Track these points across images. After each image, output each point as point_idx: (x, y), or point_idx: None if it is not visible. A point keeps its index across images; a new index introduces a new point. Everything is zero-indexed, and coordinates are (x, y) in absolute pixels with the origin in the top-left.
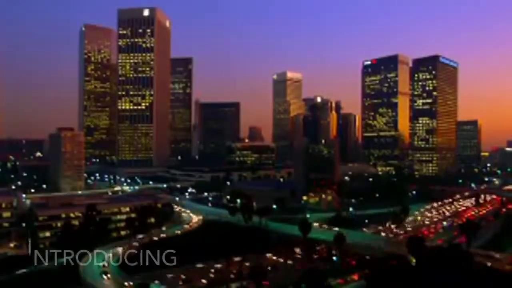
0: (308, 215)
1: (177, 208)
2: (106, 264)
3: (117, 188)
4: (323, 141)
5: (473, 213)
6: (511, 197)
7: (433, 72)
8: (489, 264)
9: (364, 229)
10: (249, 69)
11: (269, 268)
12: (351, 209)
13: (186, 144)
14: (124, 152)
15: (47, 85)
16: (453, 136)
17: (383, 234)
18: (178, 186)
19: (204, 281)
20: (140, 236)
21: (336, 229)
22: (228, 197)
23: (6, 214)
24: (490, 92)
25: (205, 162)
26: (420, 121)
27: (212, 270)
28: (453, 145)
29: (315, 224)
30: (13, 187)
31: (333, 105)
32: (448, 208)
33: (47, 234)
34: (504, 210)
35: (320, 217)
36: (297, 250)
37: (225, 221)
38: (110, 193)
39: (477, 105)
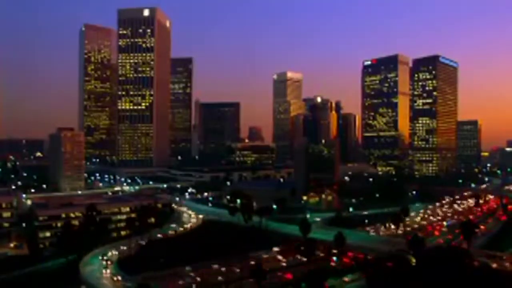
0: (308, 215)
1: (177, 208)
2: (106, 264)
3: (117, 188)
4: (323, 141)
5: (473, 213)
6: (511, 197)
7: (433, 72)
8: (489, 263)
9: (364, 229)
10: (249, 69)
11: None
12: (351, 209)
13: (186, 144)
14: (124, 152)
15: (47, 85)
16: (453, 136)
17: (383, 234)
18: (178, 186)
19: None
20: (139, 236)
21: (336, 229)
22: (228, 197)
23: (6, 214)
24: (490, 92)
25: (205, 162)
26: (420, 121)
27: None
28: (453, 145)
29: (315, 223)
30: (13, 187)
31: (333, 105)
32: (448, 208)
33: (47, 234)
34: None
35: (320, 217)
36: (297, 250)
37: (225, 221)
38: (110, 193)
39: (477, 105)
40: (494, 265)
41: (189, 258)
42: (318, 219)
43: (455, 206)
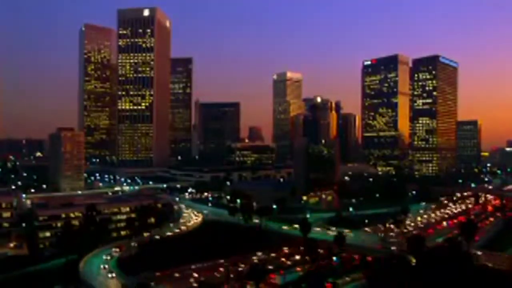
0: (308, 215)
1: (177, 208)
2: (105, 264)
3: (117, 188)
4: (323, 141)
5: (473, 213)
6: (511, 197)
7: (433, 72)
8: (489, 263)
9: (365, 229)
10: (249, 69)
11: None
12: (351, 209)
13: (186, 144)
14: (124, 152)
15: (47, 85)
16: (453, 136)
17: (383, 234)
18: (178, 186)
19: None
20: (140, 236)
21: (336, 229)
22: (228, 197)
23: (6, 214)
24: (490, 92)
25: (205, 162)
26: (420, 121)
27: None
28: (453, 145)
29: (317, 226)
30: (13, 187)
31: (333, 105)
32: (448, 208)
33: (47, 234)
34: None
35: (320, 217)
36: (297, 250)
37: (225, 221)
38: (110, 193)
39: (477, 105)
40: (494, 265)
41: (189, 258)
42: (317, 219)
43: (455, 206)
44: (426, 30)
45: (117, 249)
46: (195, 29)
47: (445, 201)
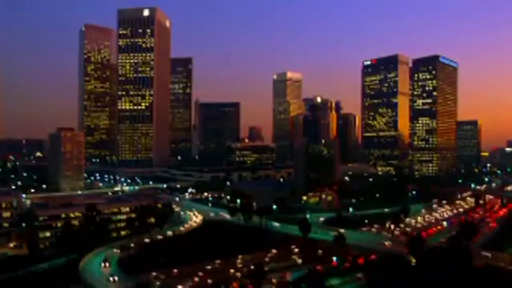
0: (308, 215)
1: (177, 208)
2: (105, 264)
3: (117, 188)
4: (323, 141)
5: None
6: (511, 197)
7: (433, 72)
8: (489, 263)
9: (364, 229)
10: (249, 69)
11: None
12: (351, 209)
13: (186, 144)
14: (124, 152)
15: (47, 85)
16: (453, 136)
17: (383, 234)
18: (178, 186)
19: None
20: (140, 236)
21: (336, 229)
22: (228, 197)
23: (6, 214)
24: (490, 92)
25: (205, 162)
26: (420, 121)
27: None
28: (453, 145)
29: (317, 226)
30: (13, 187)
31: (333, 105)
32: (448, 208)
33: (47, 234)
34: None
35: (320, 217)
36: (297, 250)
37: (225, 221)
38: (110, 193)
39: (477, 105)
40: (494, 265)
41: (189, 258)
42: (322, 218)
43: (455, 206)
44: (426, 30)
45: (106, 263)
46: (195, 29)
47: (445, 201)
